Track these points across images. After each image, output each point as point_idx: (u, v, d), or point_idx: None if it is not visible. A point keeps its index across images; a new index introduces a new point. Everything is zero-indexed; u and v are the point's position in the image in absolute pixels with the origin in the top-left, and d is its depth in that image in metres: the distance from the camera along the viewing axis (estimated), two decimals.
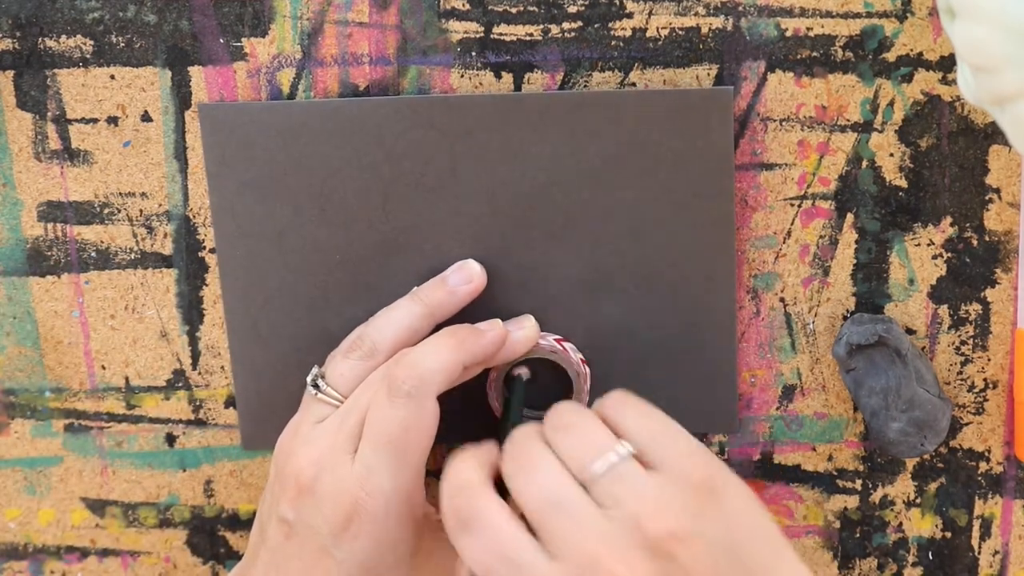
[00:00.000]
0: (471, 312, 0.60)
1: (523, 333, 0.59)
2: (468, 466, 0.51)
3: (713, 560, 0.47)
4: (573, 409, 0.52)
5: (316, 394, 0.57)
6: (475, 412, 0.62)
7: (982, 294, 0.62)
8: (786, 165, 0.61)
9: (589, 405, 0.59)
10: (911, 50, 0.60)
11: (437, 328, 0.58)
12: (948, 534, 0.65)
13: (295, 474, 0.55)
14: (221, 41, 0.60)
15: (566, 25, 0.59)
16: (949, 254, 0.62)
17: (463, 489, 0.50)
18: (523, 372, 0.60)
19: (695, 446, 0.50)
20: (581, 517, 0.47)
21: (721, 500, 0.48)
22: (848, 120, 0.60)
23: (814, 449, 0.64)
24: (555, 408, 0.52)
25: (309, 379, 0.58)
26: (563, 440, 0.50)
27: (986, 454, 0.64)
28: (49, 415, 0.64)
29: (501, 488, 0.50)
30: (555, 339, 0.60)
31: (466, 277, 0.60)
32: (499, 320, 0.59)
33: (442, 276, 0.60)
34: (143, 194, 0.62)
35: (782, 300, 0.62)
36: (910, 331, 0.63)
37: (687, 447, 0.49)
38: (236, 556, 0.66)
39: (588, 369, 0.61)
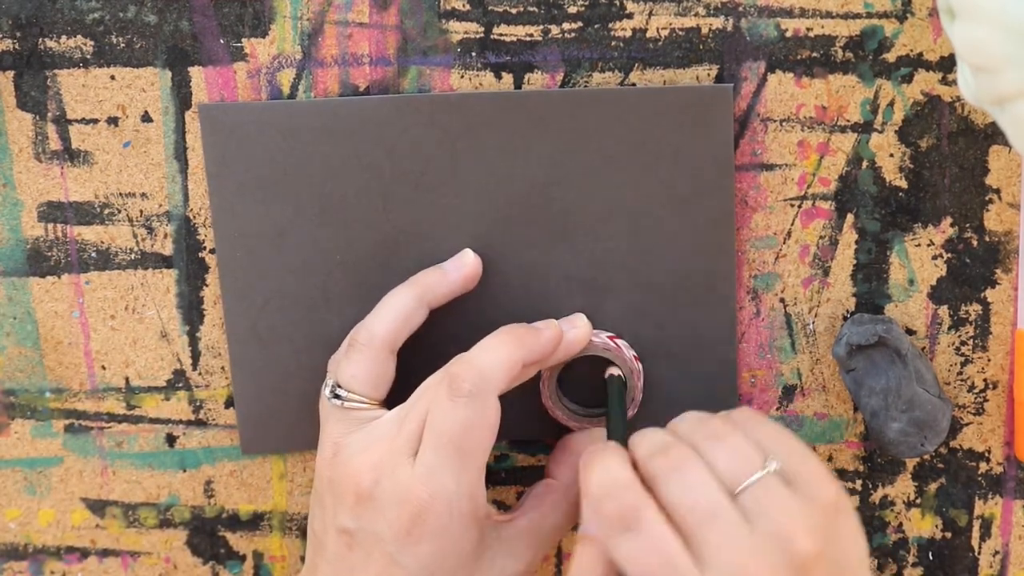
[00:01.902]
0: (471, 312, 0.60)
1: (577, 332, 0.59)
2: (618, 464, 0.50)
3: None
4: (719, 419, 0.52)
5: (341, 404, 0.57)
6: (530, 410, 0.62)
7: (982, 294, 0.62)
8: (786, 165, 0.61)
9: (642, 402, 0.60)
10: (911, 50, 0.60)
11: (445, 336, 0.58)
12: (948, 534, 0.65)
13: (353, 482, 0.55)
14: (221, 41, 0.60)
15: (566, 25, 0.59)
16: (949, 254, 0.62)
17: (623, 488, 0.49)
18: (615, 372, 0.60)
19: (824, 466, 0.51)
20: (734, 529, 0.48)
21: (844, 522, 0.50)
22: (848, 120, 0.60)
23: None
24: (696, 417, 0.53)
25: (327, 392, 0.57)
26: (713, 450, 0.50)
27: (986, 454, 0.64)
28: (49, 415, 0.64)
29: None
30: (608, 336, 0.60)
31: (460, 264, 0.60)
32: (554, 320, 0.59)
33: (439, 264, 0.60)
34: (143, 194, 0.62)
35: (782, 300, 0.62)
36: (910, 331, 0.63)
37: (818, 466, 0.51)
38: (236, 556, 0.66)
39: (641, 366, 0.61)
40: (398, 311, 0.58)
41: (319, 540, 0.57)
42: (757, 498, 0.49)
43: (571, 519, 0.59)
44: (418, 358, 0.59)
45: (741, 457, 0.50)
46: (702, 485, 0.49)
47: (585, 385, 0.61)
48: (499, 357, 0.55)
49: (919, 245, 0.62)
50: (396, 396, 0.58)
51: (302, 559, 0.66)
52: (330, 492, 0.56)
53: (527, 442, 0.64)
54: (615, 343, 0.60)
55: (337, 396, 0.57)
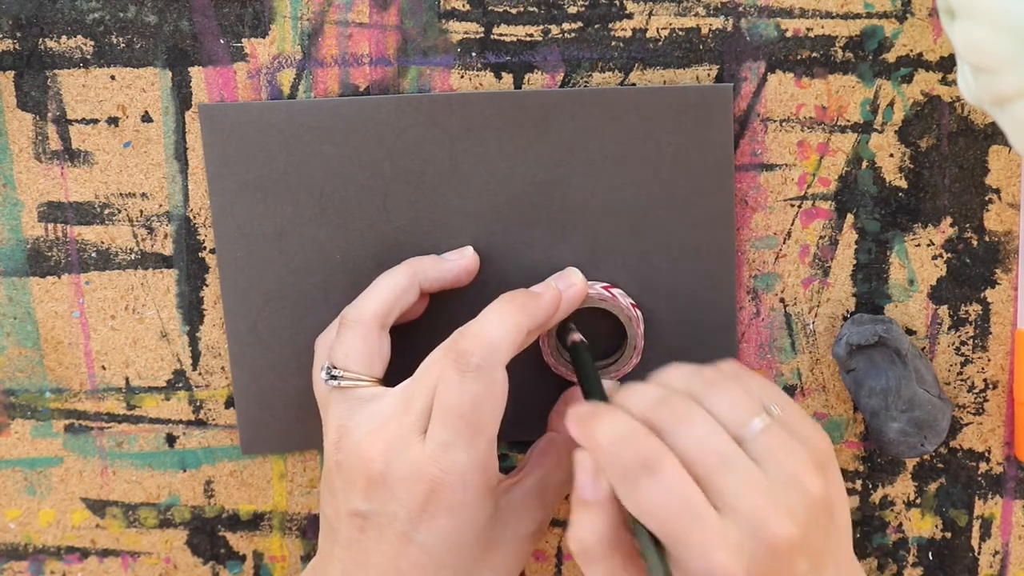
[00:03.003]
0: (473, 313, 0.59)
1: (574, 288, 0.59)
2: (624, 416, 0.51)
3: (826, 526, 0.50)
4: (712, 371, 0.53)
5: (338, 384, 0.56)
6: (529, 410, 0.62)
7: (982, 294, 0.62)
8: (786, 166, 0.61)
9: (644, 348, 0.61)
10: (911, 51, 0.60)
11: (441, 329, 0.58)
12: (948, 534, 0.65)
13: (363, 465, 0.54)
14: (221, 41, 0.60)
15: (566, 26, 0.59)
16: (949, 254, 0.62)
17: (639, 435, 0.49)
18: (576, 337, 0.60)
19: (809, 417, 0.52)
20: (749, 474, 0.48)
21: (835, 470, 0.52)
22: (848, 120, 0.60)
23: None
24: (686, 369, 0.53)
25: (324, 375, 0.57)
26: (714, 399, 0.51)
27: (986, 454, 0.64)
28: (49, 415, 0.64)
29: None
30: (603, 287, 0.60)
31: (458, 255, 0.60)
32: (550, 280, 0.59)
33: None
34: (143, 195, 0.62)
35: (782, 301, 0.62)
36: (910, 331, 0.63)
37: (806, 415, 0.52)
38: (236, 556, 0.66)
39: (640, 312, 0.61)
40: (388, 288, 0.58)
41: (331, 526, 0.57)
42: (764, 444, 0.49)
43: None
44: (421, 359, 0.59)
45: (743, 405, 0.50)
46: (712, 433, 0.49)
47: (585, 337, 0.61)
48: (504, 327, 0.54)
49: (919, 245, 0.62)
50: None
51: (302, 559, 0.66)
52: (340, 476, 0.56)
53: (527, 443, 0.64)
54: (611, 292, 0.60)
55: (333, 377, 0.56)
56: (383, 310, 0.57)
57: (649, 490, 0.48)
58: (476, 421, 0.53)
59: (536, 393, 0.62)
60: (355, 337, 0.57)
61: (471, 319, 0.55)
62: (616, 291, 0.60)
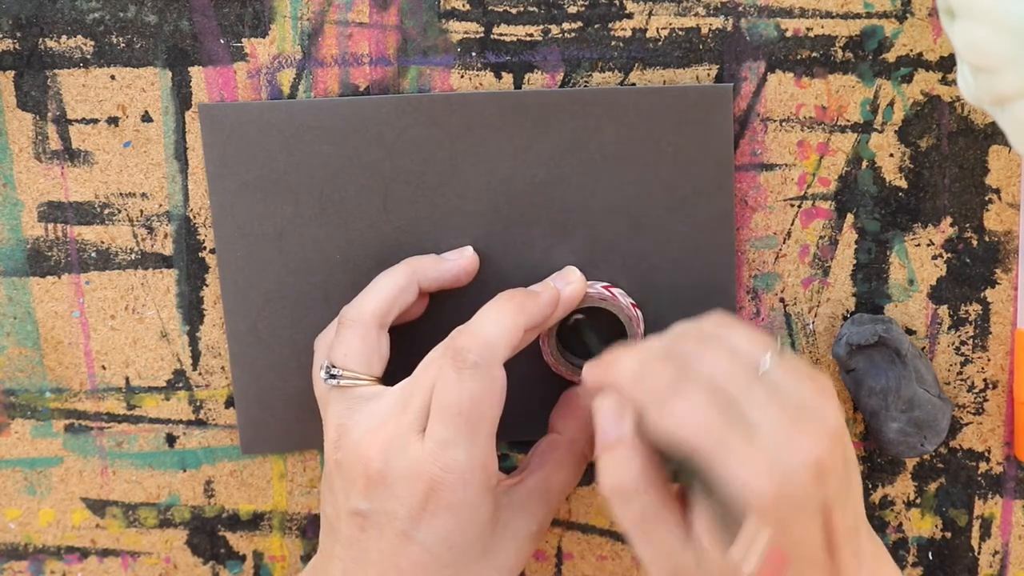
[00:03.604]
0: (471, 312, 0.59)
1: (572, 287, 0.59)
2: (643, 349, 0.52)
3: (845, 459, 0.51)
4: (715, 316, 0.54)
5: (337, 383, 0.56)
6: (529, 410, 0.62)
7: (982, 294, 0.62)
8: (786, 165, 0.61)
9: None
10: (911, 50, 0.60)
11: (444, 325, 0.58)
12: (948, 534, 0.65)
13: (363, 464, 0.54)
14: (221, 41, 0.60)
15: (566, 25, 0.59)
16: (949, 254, 0.62)
17: (662, 358, 0.51)
18: (579, 316, 0.60)
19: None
20: (771, 399, 0.49)
21: (839, 407, 0.52)
22: (848, 120, 0.60)
23: None
24: (686, 323, 0.54)
25: (323, 374, 0.57)
26: (728, 337, 0.52)
27: (986, 454, 0.64)
28: (49, 415, 0.64)
29: None
30: (603, 286, 0.60)
31: (458, 255, 0.60)
32: (548, 280, 0.59)
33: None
34: (143, 194, 0.62)
35: (782, 300, 0.62)
36: (910, 331, 0.63)
37: (802, 361, 0.53)
38: (236, 556, 0.66)
39: (639, 312, 0.61)
40: (388, 287, 0.58)
41: (331, 525, 0.57)
42: (777, 375, 0.50)
43: (578, 473, 0.59)
44: (420, 359, 0.59)
45: (753, 341, 0.52)
46: (727, 363, 0.50)
47: (585, 337, 0.61)
48: (502, 325, 0.55)
49: (919, 245, 0.62)
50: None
51: (302, 559, 0.66)
52: (339, 475, 0.56)
53: (527, 443, 0.64)
54: (611, 292, 0.60)
55: (332, 376, 0.57)
56: (382, 309, 0.57)
57: (678, 409, 0.49)
58: (475, 419, 0.53)
59: (536, 393, 0.62)
60: (354, 336, 0.57)
61: (470, 319, 0.55)
62: (616, 291, 0.60)
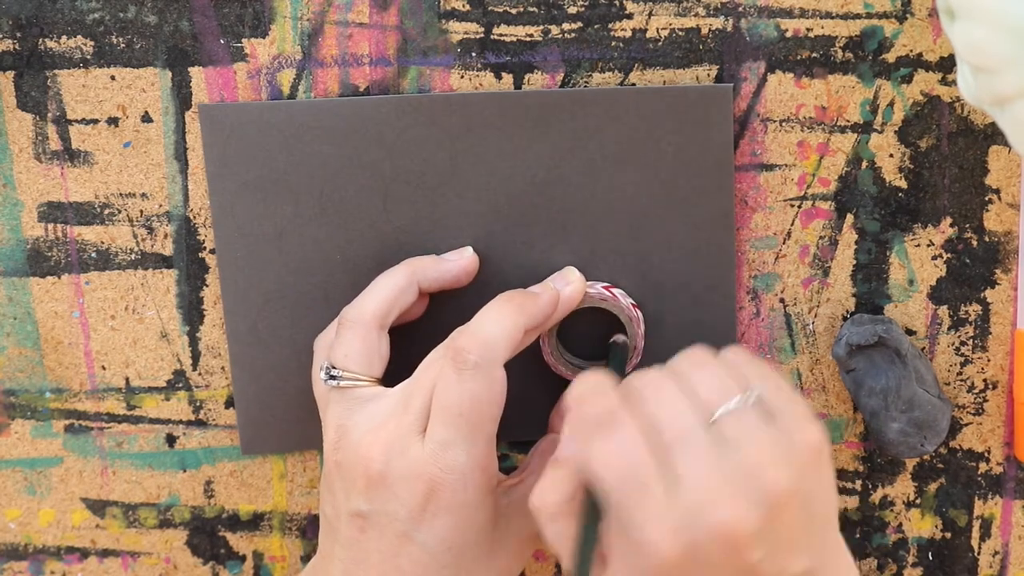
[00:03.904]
0: (471, 313, 0.59)
1: (572, 288, 0.59)
2: (597, 377, 0.50)
3: (800, 521, 0.48)
4: (705, 351, 0.51)
5: (337, 384, 0.56)
6: (530, 410, 0.62)
7: (982, 295, 0.62)
8: (786, 166, 0.61)
9: (644, 349, 0.60)
10: (911, 51, 0.60)
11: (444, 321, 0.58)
12: (948, 534, 0.65)
13: (363, 465, 0.54)
14: (221, 42, 0.60)
15: (566, 26, 0.59)
16: (949, 255, 0.62)
17: (600, 392, 0.49)
18: (620, 338, 0.60)
19: (810, 410, 0.50)
20: (704, 453, 0.47)
21: (822, 468, 0.49)
22: (848, 121, 0.60)
23: None
24: (687, 350, 0.52)
25: (322, 375, 0.57)
26: (694, 376, 0.50)
27: (986, 455, 0.64)
28: (49, 416, 0.64)
29: None
30: (603, 287, 0.60)
31: (457, 255, 0.60)
32: (548, 281, 0.59)
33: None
34: (143, 195, 0.62)
35: (782, 301, 0.62)
36: (910, 332, 0.63)
37: (803, 408, 0.50)
38: (236, 556, 0.66)
39: (640, 313, 0.61)
40: (388, 288, 0.58)
41: (331, 526, 0.57)
42: (732, 427, 0.48)
43: None
44: (421, 359, 0.59)
45: (721, 385, 0.49)
46: (676, 404, 0.48)
47: (586, 338, 0.61)
48: (502, 326, 0.54)
49: (919, 245, 0.62)
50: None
51: (302, 559, 0.66)
52: (339, 477, 0.56)
53: (527, 443, 0.64)
54: (611, 292, 0.60)
55: (332, 377, 0.57)
56: (382, 310, 0.57)
57: (600, 447, 0.48)
58: (475, 419, 0.53)
59: (536, 393, 0.62)
60: (354, 337, 0.57)
61: (470, 319, 0.55)
62: (617, 291, 0.60)
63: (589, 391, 0.50)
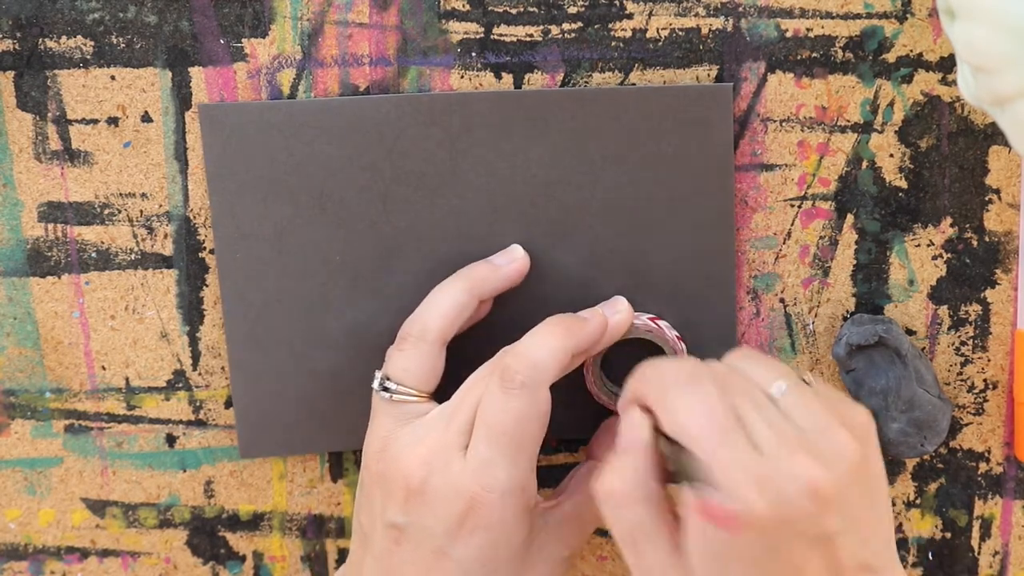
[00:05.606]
0: (499, 319, 0.60)
1: (620, 317, 0.59)
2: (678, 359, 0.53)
3: (866, 502, 0.50)
4: (748, 348, 0.54)
5: (390, 397, 0.56)
6: (576, 399, 0.62)
7: (982, 295, 0.62)
8: (786, 166, 0.61)
9: None
10: (911, 51, 0.60)
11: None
12: (948, 534, 0.65)
13: (404, 477, 0.54)
14: (221, 42, 0.60)
15: (566, 26, 0.59)
16: (949, 255, 0.62)
17: (685, 362, 0.51)
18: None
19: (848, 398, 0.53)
20: (779, 418, 0.49)
21: (873, 445, 0.51)
22: (848, 121, 0.60)
23: None
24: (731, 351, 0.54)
25: (376, 385, 0.57)
26: (748, 363, 0.52)
27: (986, 455, 0.64)
28: (49, 416, 0.64)
29: None
30: (648, 317, 0.60)
31: (510, 258, 0.60)
32: (597, 307, 0.59)
33: (487, 259, 0.60)
34: (143, 195, 0.62)
35: (782, 301, 0.62)
36: (910, 332, 0.63)
37: (844, 396, 0.53)
38: (236, 557, 0.66)
39: (684, 345, 0.61)
40: (451, 304, 0.57)
41: (365, 535, 0.57)
42: (791, 401, 0.50)
43: None
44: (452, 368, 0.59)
45: (770, 369, 0.51)
46: (747, 382, 0.50)
47: (629, 368, 0.61)
48: (550, 348, 0.55)
49: (919, 245, 0.62)
50: None
51: (302, 559, 0.66)
52: (379, 487, 0.56)
53: (574, 441, 0.64)
54: (656, 324, 0.60)
55: (386, 389, 0.57)
56: (445, 330, 0.57)
57: (688, 399, 0.49)
58: (518, 439, 0.54)
59: (576, 420, 0.62)
60: (416, 353, 0.57)
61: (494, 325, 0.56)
62: (662, 323, 0.60)
63: (671, 363, 0.51)
